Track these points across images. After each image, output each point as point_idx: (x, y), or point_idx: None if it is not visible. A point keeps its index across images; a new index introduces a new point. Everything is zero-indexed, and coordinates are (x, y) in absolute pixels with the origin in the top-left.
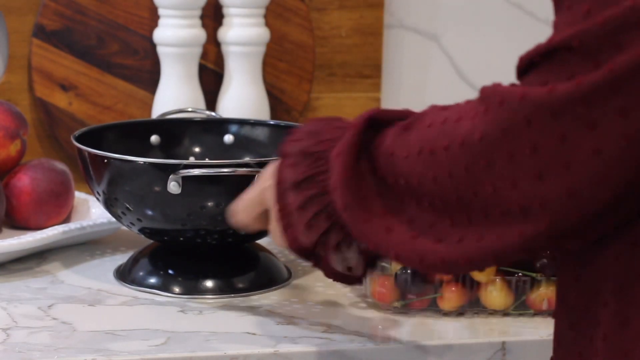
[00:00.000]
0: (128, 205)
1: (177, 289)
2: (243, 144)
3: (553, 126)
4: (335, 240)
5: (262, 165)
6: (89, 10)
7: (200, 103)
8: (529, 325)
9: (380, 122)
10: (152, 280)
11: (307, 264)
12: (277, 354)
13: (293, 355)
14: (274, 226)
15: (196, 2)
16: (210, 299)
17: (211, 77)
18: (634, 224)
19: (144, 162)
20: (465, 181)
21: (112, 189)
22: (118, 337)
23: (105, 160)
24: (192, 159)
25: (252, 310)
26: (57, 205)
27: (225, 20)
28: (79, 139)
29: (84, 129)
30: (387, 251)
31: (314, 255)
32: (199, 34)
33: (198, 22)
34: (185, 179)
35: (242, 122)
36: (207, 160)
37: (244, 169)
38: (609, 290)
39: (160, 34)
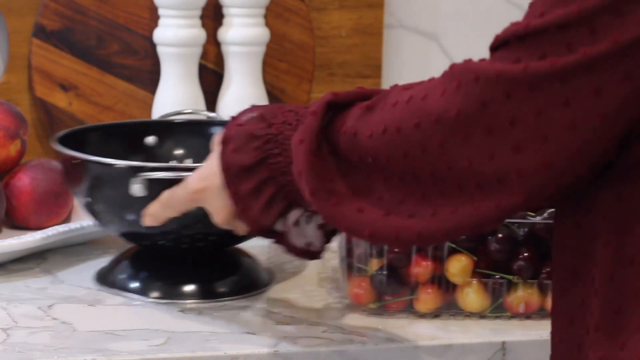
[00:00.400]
0: (100, 207)
1: (156, 294)
2: None
3: (531, 100)
4: (294, 218)
5: None
6: (89, 10)
7: (200, 103)
8: (529, 325)
9: (338, 105)
10: (132, 284)
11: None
12: (277, 354)
13: (293, 355)
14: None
15: (196, 2)
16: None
17: (211, 77)
18: (621, 211)
19: (108, 164)
20: (440, 156)
21: (85, 191)
22: (118, 337)
23: (75, 161)
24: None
25: (252, 310)
26: (57, 205)
27: (225, 20)
28: (63, 139)
29: (67, 130)
30: (361, 232)
31: (274, 232)
32: (199, 34)
33: (198, 22)
34: (152, 182)
35: None
36: (170, 164)
37: None
38: (600, 279)
39: (160, 34)
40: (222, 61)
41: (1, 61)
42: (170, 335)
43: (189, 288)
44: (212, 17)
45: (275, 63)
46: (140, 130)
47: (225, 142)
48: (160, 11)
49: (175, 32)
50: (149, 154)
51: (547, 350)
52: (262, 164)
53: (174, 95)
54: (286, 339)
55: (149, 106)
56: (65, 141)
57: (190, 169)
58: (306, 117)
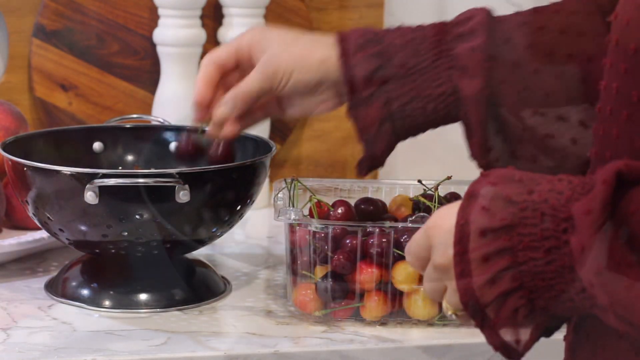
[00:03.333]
0: (49, 215)
1: (108, 303)
2: None
3: None
4: (513, 306)
5: (184, 175)
6: (89, 10)
7: None
8: None
9: (624, 177)
10: (83, 294)
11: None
12: (277, 354)
13: (293, 355)
14: (429, 272)
15: (196, 2)
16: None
17: None
18: None
19: (60, 171)
20: None
21: (33, 199)
22: (118, 337)
23: (25, 169)
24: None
25: (252, 310)
26: None
27: (225, 20)
28: (9, 147)
29: (11, 138)
30: None
31: (482, 314)
32: (199, 34)
33: (198, 22)
34: (104, 188)
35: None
36: (122, 170)
37: (165, 179)
38: None
39: (160, 34)
40: None
41: (1, 61)
42: (170, 336)
43: (142, 297)
44: (212, 17)
45: None
46: (88, 136)
47: (472, 197)
48: (160, 11)
49: (175, 32)
50: (97, 160)
51: (548, 351)
52: (507, 232)
53: (174, 95)
54: (286, 339)
55: (149, 106)
56: (11, 148)
57: (144, 176)
58: (591, 185)
